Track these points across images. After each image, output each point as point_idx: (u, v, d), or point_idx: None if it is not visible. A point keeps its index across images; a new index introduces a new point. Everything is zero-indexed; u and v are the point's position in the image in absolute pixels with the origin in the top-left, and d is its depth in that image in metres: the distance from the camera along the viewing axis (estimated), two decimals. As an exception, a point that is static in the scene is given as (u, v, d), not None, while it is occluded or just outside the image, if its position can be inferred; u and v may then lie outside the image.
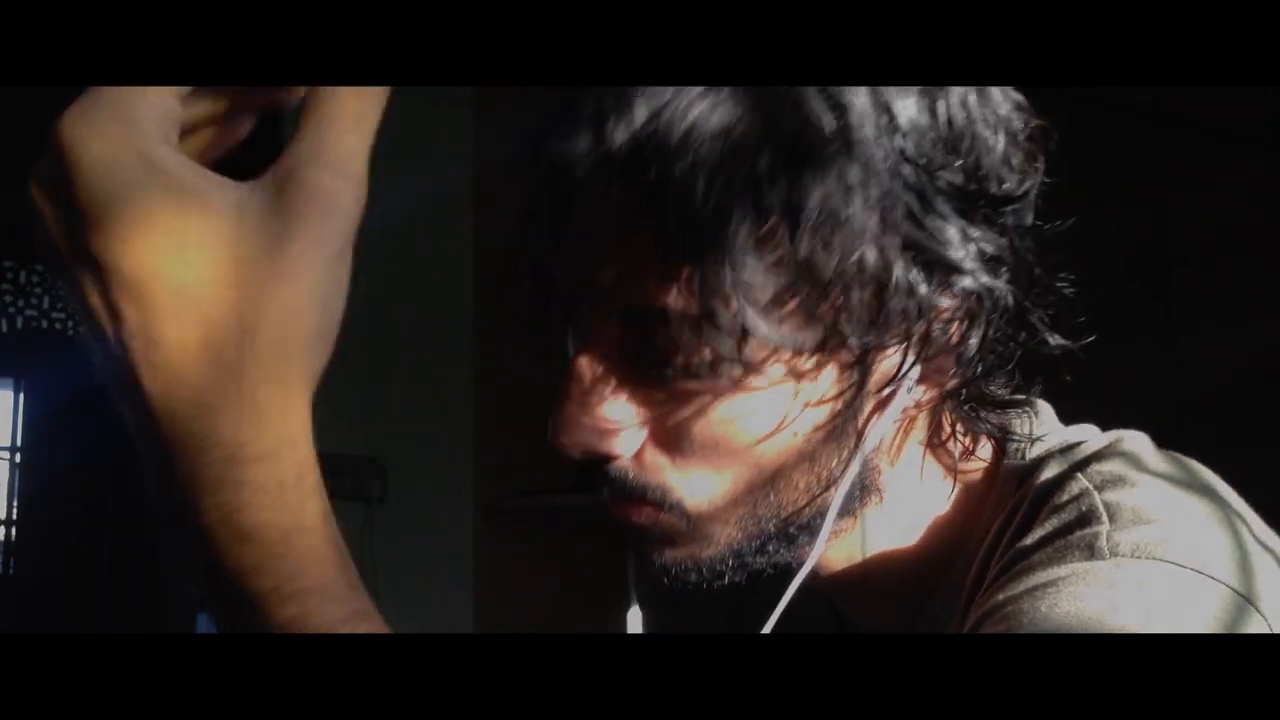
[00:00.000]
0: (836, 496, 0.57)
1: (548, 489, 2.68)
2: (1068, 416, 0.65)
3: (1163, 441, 0.61)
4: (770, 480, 0.57)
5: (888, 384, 0.56)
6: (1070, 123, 0.58)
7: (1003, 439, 0.63)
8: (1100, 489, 0.56)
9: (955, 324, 0.55)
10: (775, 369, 0.55)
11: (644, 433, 0.58)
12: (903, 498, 0.61)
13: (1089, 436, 0.62)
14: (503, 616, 2.67)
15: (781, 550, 0.59)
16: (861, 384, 0.56)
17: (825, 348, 0.54)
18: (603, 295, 0.56)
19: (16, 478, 4.39)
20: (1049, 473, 0.59)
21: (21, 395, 4.42)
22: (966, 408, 0.61)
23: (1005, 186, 0.54)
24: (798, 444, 0.56)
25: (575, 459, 0.59)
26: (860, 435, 0.57)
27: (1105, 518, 0.54)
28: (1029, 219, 0.57)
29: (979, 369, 0.58)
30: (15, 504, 4.36)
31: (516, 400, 2.88)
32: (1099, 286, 0.58)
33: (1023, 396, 0.63)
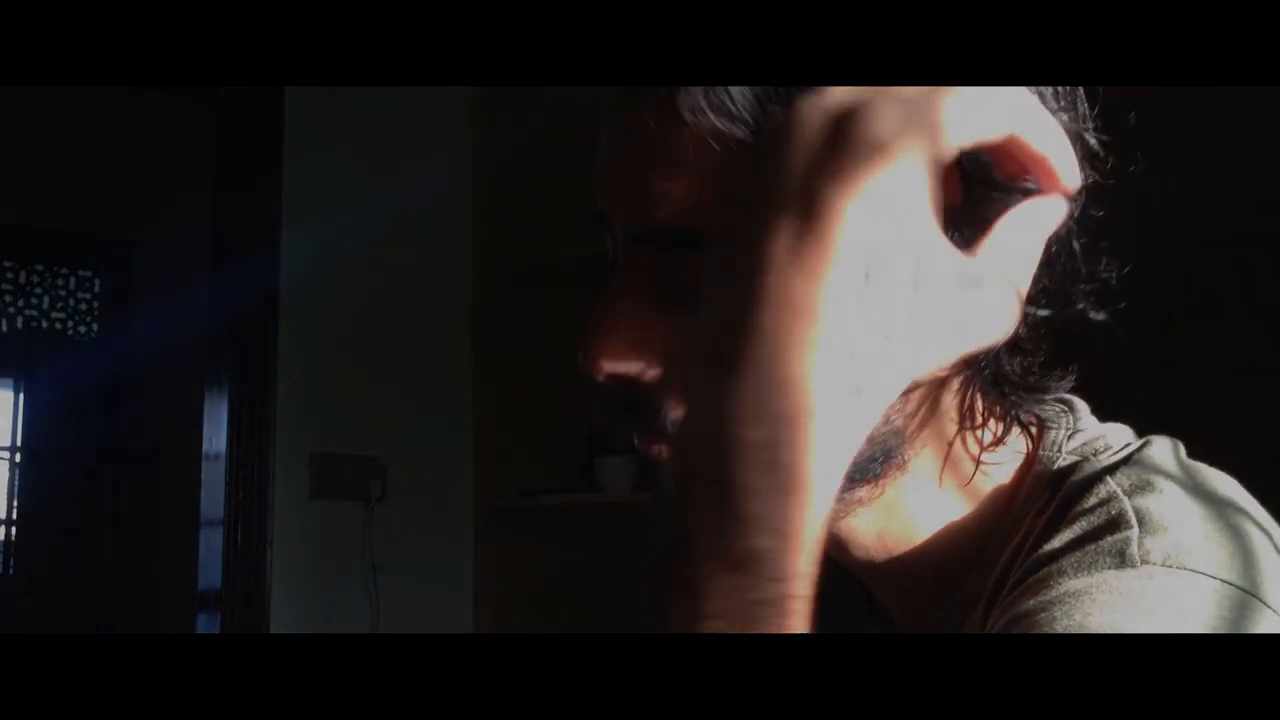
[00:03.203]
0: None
1: (548, 489, 2.67)
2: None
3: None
4: None
5: None
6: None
7: (1039, 428, 0.63)
8: (1130, 494, 0.56)
9: None
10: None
11: (669, 362, 0.57)
12: (929, 479, 0.61)
13: (1123, 438, 0.62)
14: (503, 616, 2.67)
15: None
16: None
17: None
18: (633, 220, 0.57)
19: (16, 478, 4.39)
20: (1078, 474, 0.59)
21: (21, 395, 4.42)
22: (998, 391, 0.60)
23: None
24: None
25: (604, 386, 0.58)
26: None
27: (1135, 523, 0.54)
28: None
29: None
30: (15, 504, 4.36)
31: (516, 400, 2.89)
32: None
33: (1060, 394, 0.63)
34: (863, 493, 0.60)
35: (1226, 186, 2.75)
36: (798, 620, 0.43)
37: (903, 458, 0.60)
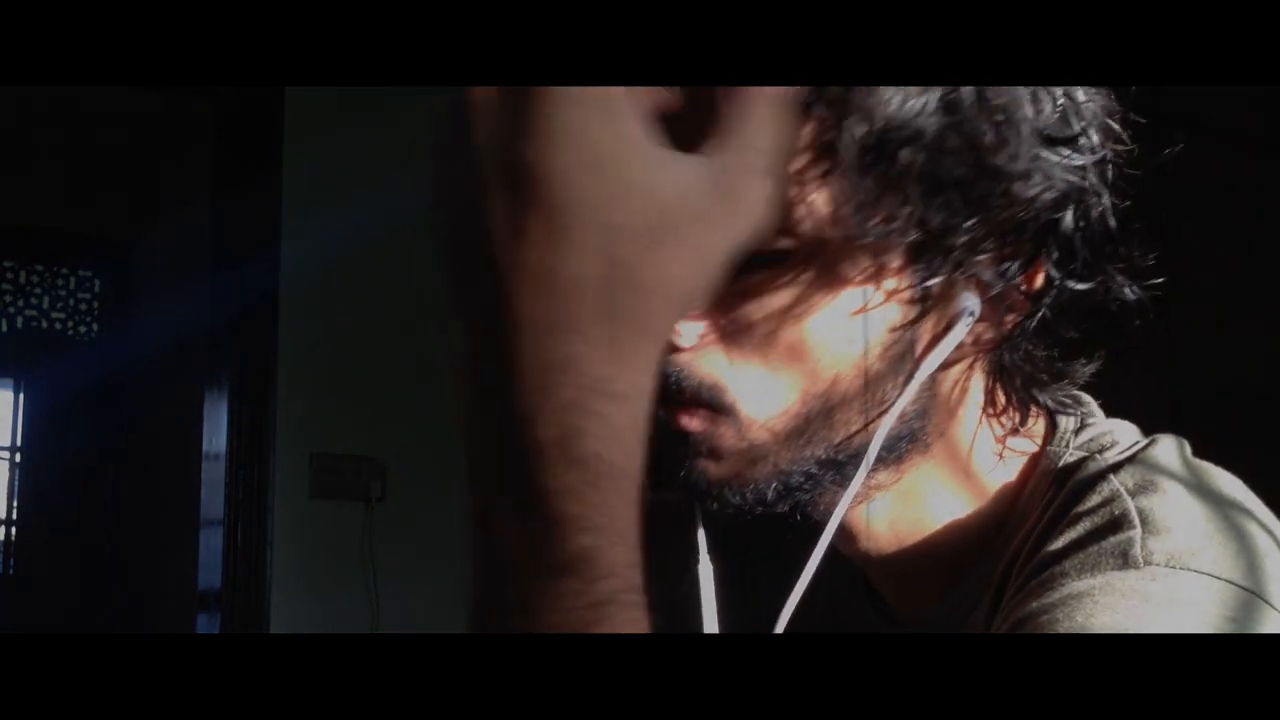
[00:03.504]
0: (887, 420, 0.57)
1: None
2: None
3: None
4: (827, 394, 0.56)
5: (949, 321, 0.57)
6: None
7: (1048, 422, 0.64)
8: (1133, 494, 0.56)
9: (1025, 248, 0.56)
10: (852, 268, 0.54)
11: (706, 325, 0.56)
12: (947, 465, 0.62)
13: (1130, 436, 0.62)
14: (503, 616, 2.67)
15: (829, 478, 0.58)
16: (926, 301, 0.56)
17: (915, 248, 0.54)
18: None
19: (16, 478, 4.39)
20: (1082, 472, 0.59)
21: (21, 395, 4.42)
22: (1023, 376, 0.61)
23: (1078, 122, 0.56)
24: (858, 358, 0.56)
25: None
26: (918, 363, 0.57)
27: (1138, 523, 0.54)
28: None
29: (1042, 311, 0.58)
30: (15, 504, 4.36)
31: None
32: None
33: (1084, 379, 0.64)
34: (883, 477, 0.60)
35: (1227, 188, 2.75)
36: (636, 614, 0.41)
37: (926, 442, 0.60)
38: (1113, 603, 0.50)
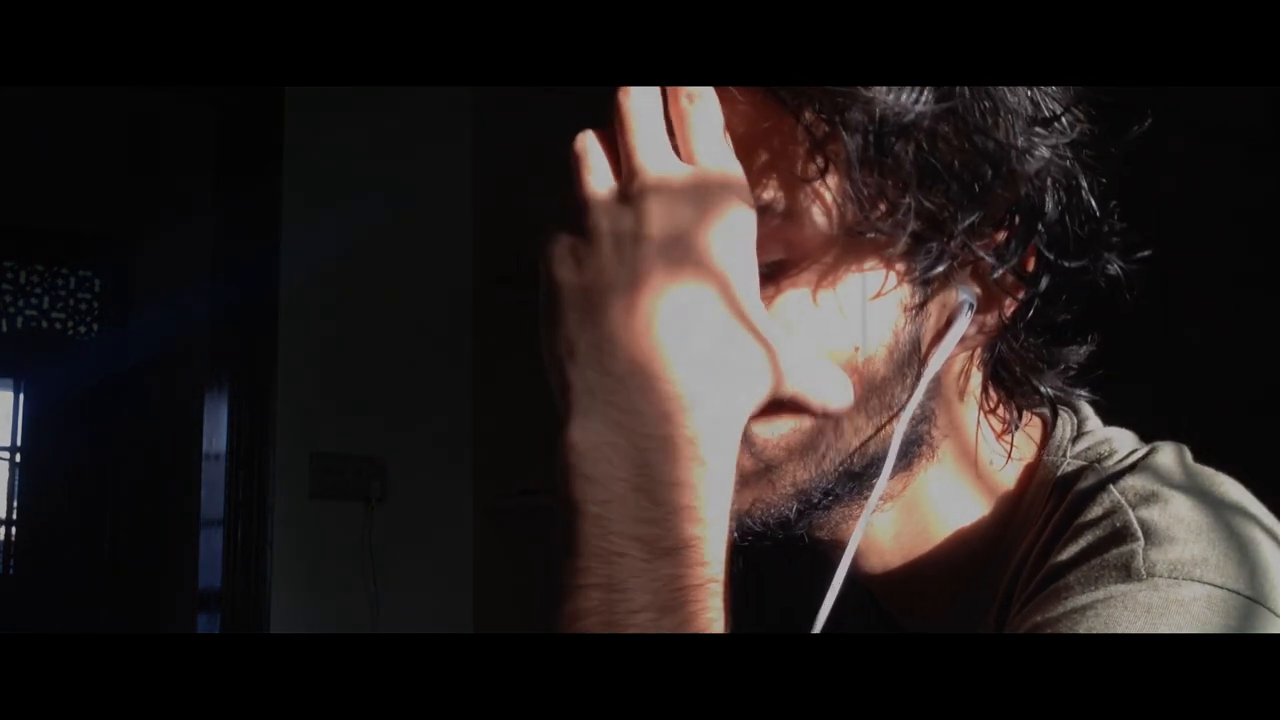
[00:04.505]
0: (901, 422, 0.57)
1: (548, 489, 2.67)
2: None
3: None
4: None
5: (950, 315, 0.58)
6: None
7: (1053, 402, 0.64)
8: (1134, 505, 0.55)
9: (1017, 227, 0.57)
10: (855, 267, 0.55)
11: None
12: (951, 470, 0.62)
13: (1128, 444, 0.62)
14: (503, 616, 2.67)
15: (848, 490, 0.59)
16: (927, 289, 0.56)
17: (915, 238, 0.55)
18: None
19: (16, 478, 4.39)
20: (1083, 482, 0.59)
21: (21, 395, 4.42)
22: (1023, 366, 0.62)
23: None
24: (864, 363, 0.56)
25: None
26: (924, 360, 0.58)
27: (1140, 535, 0.53)
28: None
29: (1040, 290, 0.58)
30: (15, 504, 4.36)
31: (516, 400, 2.88)
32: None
33: (1066, 394, 0.64)
34: (893, 486, 0.60)
35: (1225, 186, 2.76)
36: (718, 602, 0.47)
37: (933, 445, 0.60)
38: (1115, 615, 0.50)
